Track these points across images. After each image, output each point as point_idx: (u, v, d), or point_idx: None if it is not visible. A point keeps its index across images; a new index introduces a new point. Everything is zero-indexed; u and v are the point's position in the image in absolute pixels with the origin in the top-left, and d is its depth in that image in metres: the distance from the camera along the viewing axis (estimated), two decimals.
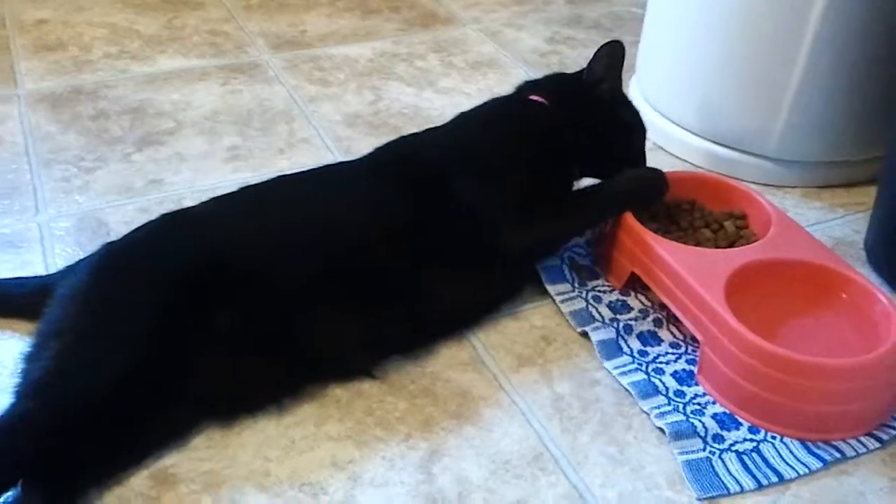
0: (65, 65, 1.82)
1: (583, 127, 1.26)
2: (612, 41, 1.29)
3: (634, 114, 1.33)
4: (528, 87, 1.32)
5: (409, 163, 1.21)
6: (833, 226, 1.43)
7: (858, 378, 1.03)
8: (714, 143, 1.54)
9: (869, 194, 1.37)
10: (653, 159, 1.48)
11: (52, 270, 1.23)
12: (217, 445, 1.02)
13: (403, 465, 1.00)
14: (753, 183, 1.47)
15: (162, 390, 1.00)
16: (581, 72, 1.30)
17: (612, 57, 1.28)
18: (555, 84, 1.32)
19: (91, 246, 1.19)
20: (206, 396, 1.03)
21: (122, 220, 1.36)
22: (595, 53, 1.27)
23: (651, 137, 1.61)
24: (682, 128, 1.58)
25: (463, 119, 1.30)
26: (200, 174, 1.49)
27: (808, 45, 1.38)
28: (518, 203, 1.17)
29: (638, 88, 1.70)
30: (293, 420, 1.05)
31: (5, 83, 1.74)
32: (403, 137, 1.31)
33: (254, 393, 1.06)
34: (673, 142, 1.60)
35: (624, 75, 1.79)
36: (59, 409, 0.94)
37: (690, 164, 1.57)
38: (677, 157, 1.59)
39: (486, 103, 1.32)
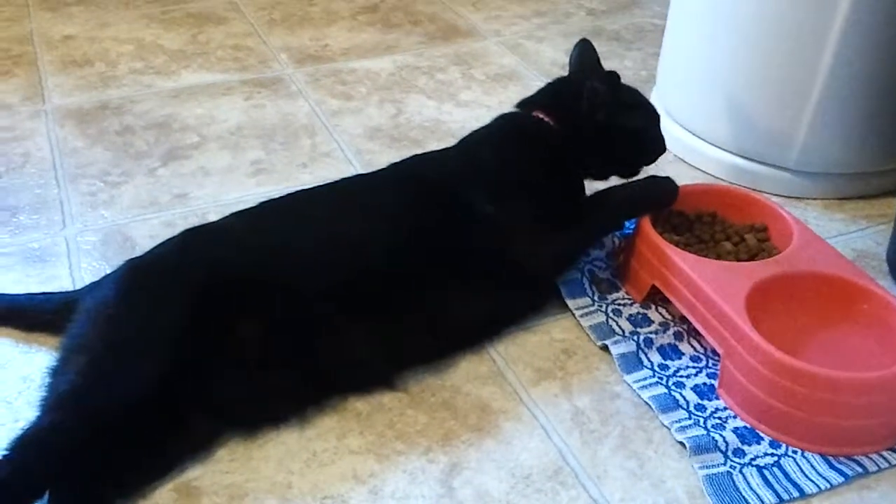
0: (91, 80, 1.85)
1: (588, 143, 1.26)
2: (581, 40, 1.34)
3: (641, 113, 1.32)
4: (530, 103, 1.32)
5: (427, 180, 1.22)
6: (855, 238, 1.42)
7: (880, 392, 1.02)
8: (735, 154, 1.54)
9: (891, 206, 1.37)
10: (673, 171, 1.48)
11: (79, 284, 1.25)
12: (240, 458, 1.03)
13: (424, 479, 1.01)
14: (775, 195, 1.47)
15: (186, 403, 1.01)
16: (575, 80, 1.31)
17: (605, 79, 1.27)
18: (555, 99, 1.31)
19: (117, 260, 1.21)
20: (230, 409, 1.05)
21: (148, 234, 1.38)
22: (590, 81, 1.26)
23: (671, 149, 1.62)
24: (703, 140, 1.58)
25: (474, 139, 1.31)
26: (224, 188, 1.51)
27: (829, 56, 1.38)
28: (534, 222, 1.19)
29: (658, 101, 1.70)
30: (315, 433, 1.06)
31: (33, 99, 1.77)
32: (420, 155, 1.33)
33: (276, 405, 1.07)
34: (693, 154, 1.60)
35: (644, 87, 1.80)
36: (85, 421, 0.95)
37: (711, 176, 1.57)
38: (698, 169, 1.59)
39: (493, 123, 1.32)
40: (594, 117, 1.25)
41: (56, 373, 1.01)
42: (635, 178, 1.32)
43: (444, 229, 1.16)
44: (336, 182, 1.28)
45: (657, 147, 1.32)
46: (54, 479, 0.93)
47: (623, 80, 1.31)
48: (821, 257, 1.20)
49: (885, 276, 1.32)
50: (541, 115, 1.28)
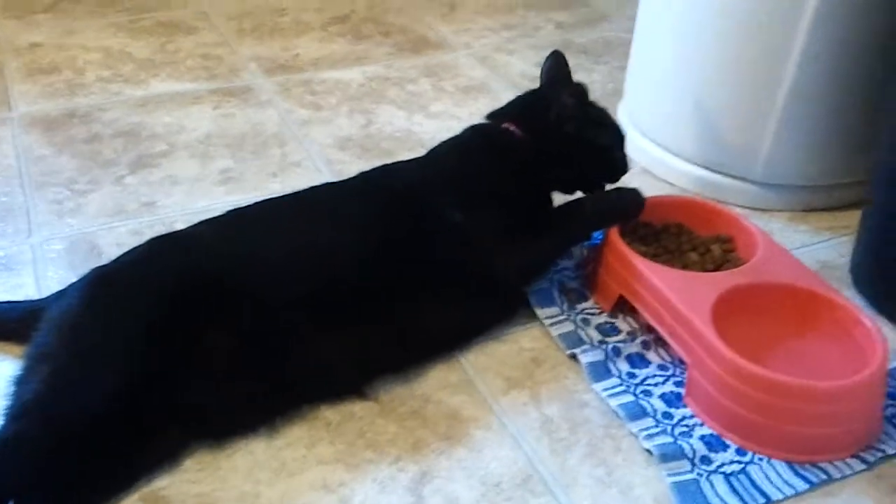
0: (58, 88, 1.83)
1: (555, 155, 1.27)
2: (554, 52, 1.34)
3: (608, 131, 1.33)
4: (500, 115, 1.33)
5: (396, 190, 1.23)
6: (819, 249, 1.44)
7: (844, 400, 1.04)
8: (701, 167, 1.56)
9: (854, 217, 1.39)
10: (640, 183, 1.49)
11: (45, 293, 1.24)
12: (208, 468, 1.02)
13: (394, 488, 1.01)
14: (740, 207, 1.49)
15: (152, 412, 1.00)
16: (545, 93, 1.32)
17: (576, 93, 1.29)
18: (524, 111, 1.32)
19: (83, 268, 1.20)
20: (197, 418, 1.04)
21: (115, 242, 1.37)
22: (557, 95, 1.28)
23: (639, 161, 1.64)
24: (670, 152, 1.60)
25: (443, 149, 1.32)
26: (193, 197, 1.50)
27: (792, 69, 1.40)
28: (503, 233, 1.19)
29: (626, 113, 1.72)
30: (284, 442, 1.05)
31: None
32: (388, 165, 1.33)
33: (245, 415, 1.07)
34: (660, 166, 1.62)
35: (612, 100, 1.82)
36: (50, 431, 0.94)
37: (678, 188, 1.59)
38: (665, 181, 1.61)
39: (462, 133, 1.33)
40: (562, 129, 1.27)
41: (20, 382, 1.00)
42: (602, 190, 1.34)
43: (413, 239, 1.17)
44: (305, 191, 1.28)
45: (621, 166, 1.34)
46: (19, 488, 0.92)
47: (591, 94, 1.33)
48: (785, 268, 1.22)
49: (849, 287, 1.34)
50: (510, 127, 1.29)
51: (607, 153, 1.33)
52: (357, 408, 1.10)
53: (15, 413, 0.97)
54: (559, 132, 1.27)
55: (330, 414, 1.09)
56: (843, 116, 1.46)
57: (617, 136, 1.34)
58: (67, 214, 1.44)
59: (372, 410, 1.10)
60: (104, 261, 1.18)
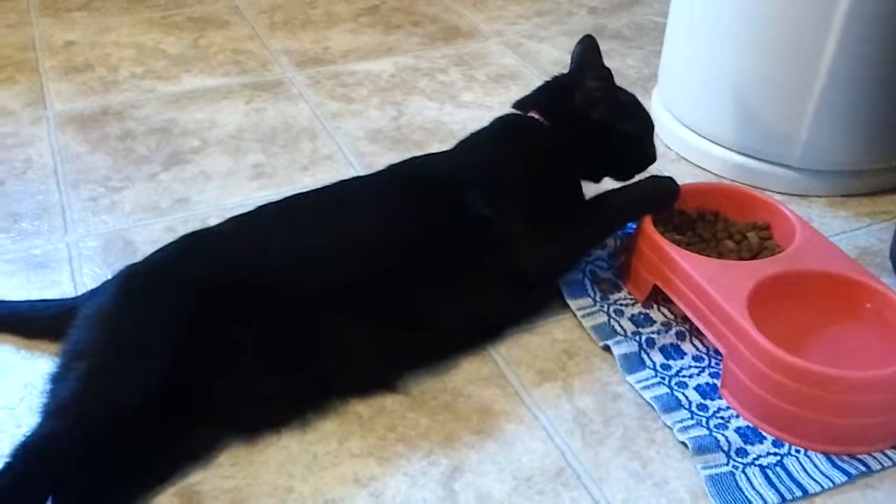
0: (92, 86, 1.85)
1: (581, 142, 1.26)
2: (585, 36, 1.29)
3: (636, 118, 1.32)
4: (526, 103, 1.32)
5: (424, 182, 1.22)
6: (858, 235, 1.41)
7: (883, 390, 1.02)
8: (738, 153, 1.53)
9: (894, 203, 1.36)
10: (676, 170, 1.48)
11: (81, 290, 1.25)
12: (241, 462, 1.03)
13: (425, 482, 1.01)
14: (778, 193, 1.47)
15: (186, 408, 1.01)
16: (571, 78, 1.30)
17: (601, 77, 1.27)
18: (549, 98, 1.30)
19: (118, 265, 1.21)
20: (231, 414, 1.05)
21: (149, 239, 1.38)
22: (584, 78, 1.26)
23: (674, 148, 1.62)
24: (706, 138, 1.58)
25: (471, 141, 1.31)
26: (226, 192, 1.51)
27: (830, 52, 1.37)
28: (531, 224, 1.18)
29: (660, 98, 1.69)
30: (316, 437, 1.06)
31: (35, 105, 1.78)
32: (416, 158, 1.33)
33: (276, 409, 1.07)
34: (696, 152, 1.59)
35: (647, 85, 1.80)
36: (86, 427, 0.95)
37: (714, 174, 1.56)
38: (701, 168, 1.58)
39: (489, 125, 1.32)
40: (589, 115, 1.25)
41: (57, 379, 1.01)
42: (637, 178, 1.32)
43: (442, 232, 1.16)
44: (333, 184, 1.28)
45: (648, 155, 1.32)
46: (56, 486, 0.93)
47: (625, 79, 1.31)
48: (823, 255, 1.19)
49: (889, 274, 1.31)
50: (536, 116, 1.28)
51: (634, 140, 1.31)
52: (388, 402, 1.10)
53: (52, 411, 0.98)
54: (584, 118, 1.26)
55: (361, 408, 1.09)
56: (882, 100, 1.42)
57: (644, 123, 1.32)
58: (102, 212, 1.46)
59: (403, 404, 1.10)
60: (139, 258, 1.19)
